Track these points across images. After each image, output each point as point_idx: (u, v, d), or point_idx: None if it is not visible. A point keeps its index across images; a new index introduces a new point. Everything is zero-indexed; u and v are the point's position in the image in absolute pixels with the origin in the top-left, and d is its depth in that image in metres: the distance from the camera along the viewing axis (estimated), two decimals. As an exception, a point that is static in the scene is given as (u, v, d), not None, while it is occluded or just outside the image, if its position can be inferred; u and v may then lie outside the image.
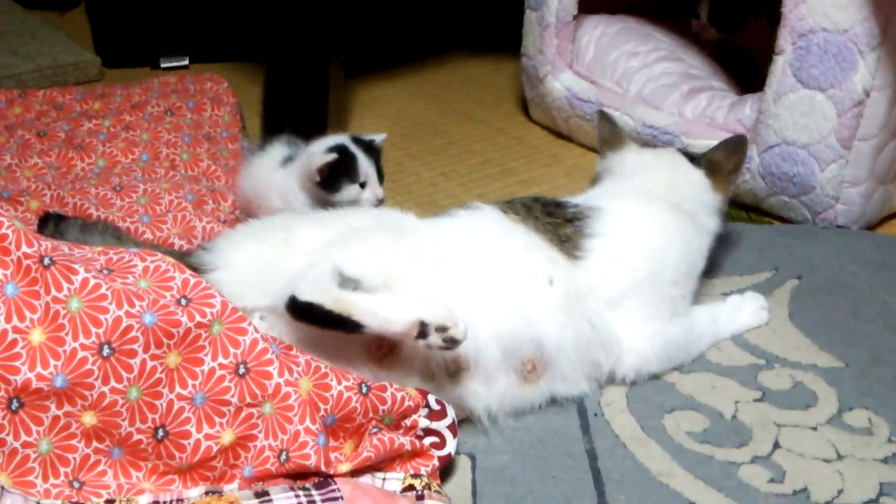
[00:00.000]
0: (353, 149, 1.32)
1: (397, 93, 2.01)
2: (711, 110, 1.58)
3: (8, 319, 0.83)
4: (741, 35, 1.84)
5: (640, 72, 1.71)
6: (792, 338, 1.24)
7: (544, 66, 1.76)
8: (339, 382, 0.94)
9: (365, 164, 1.32)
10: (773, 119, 1.47)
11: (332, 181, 1.30)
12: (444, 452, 0.98)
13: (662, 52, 1.76)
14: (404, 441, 0.95)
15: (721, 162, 1.32)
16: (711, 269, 1.37)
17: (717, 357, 1.20)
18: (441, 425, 0.99)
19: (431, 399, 0.99)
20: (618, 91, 1.70)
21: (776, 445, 1.06)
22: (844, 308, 1.30)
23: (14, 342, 0.83)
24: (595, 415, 1.10)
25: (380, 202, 1.33)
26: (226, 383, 0.91)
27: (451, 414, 0.99)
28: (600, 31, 1.78)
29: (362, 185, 1.31)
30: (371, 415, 0.95)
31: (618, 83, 1.71)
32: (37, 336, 0.84)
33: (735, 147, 1.34)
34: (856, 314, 1.29)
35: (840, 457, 1.04)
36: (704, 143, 1.54)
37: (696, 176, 1.29)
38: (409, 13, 2.34)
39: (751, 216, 1.55)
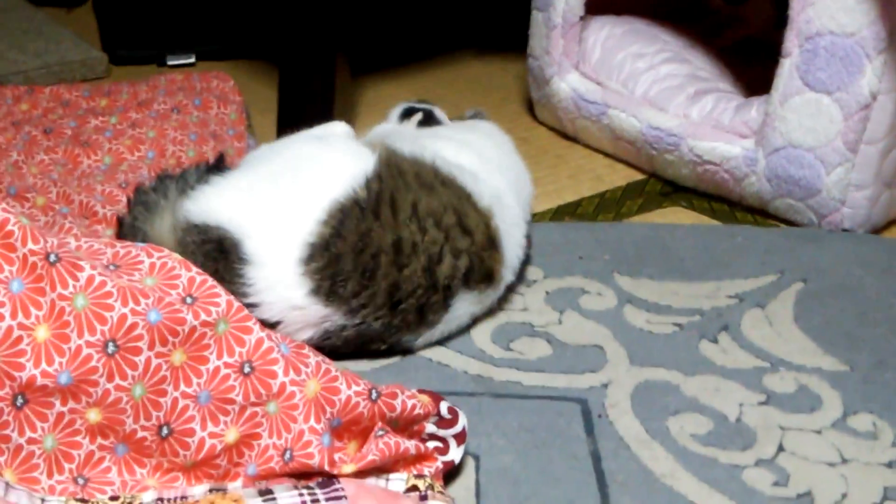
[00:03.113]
0: None
1: (403, 92, 2.00)
2: (717, 112, 1.58)
3: (13, 316, 0.83)
4: (743, 8, 1.87)
5: (646, 73, 1.71)
6: (797, 341, 1.24)
7: (550, 66, 1.76)
8: (349, 387, 0.94)
9: None
10: (780, 122, 1.47)
11: None
12: (448, 458, 0.98)
13: (668, 54, 1.76)
14: (409, 445, 0.95)
15: None
16: (716, 271, 1.37)
17: (722, 359, 1.20)
18: (448, 433, 0.99)
19: (444, 407, 0.99)
20: (624, 92, 1.70)
21: (780, 449, 1.06)
22: (850, 312, 1.30)
23: (19, 339, 0.83)
24: (599, 416, 1.10)
25: None
26: (230, 382, 0.91)
27: (462, 422, 0.99)
28: (606, 32, 1.78)
29: None
30: (378, 419, 0.95)
31: (624, 84, 1.71)
32: (42, 333, 0.84)
33: None
34: (861, 318, 1.29)
35: (844, 461, 1.04)
36: (710, 145, 1.54)
37: None
38: (415, 12, 2.34)
39: (756, 219, 1.55)
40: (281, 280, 1.07)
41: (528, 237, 1.32)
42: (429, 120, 1.46)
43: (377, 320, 1.10)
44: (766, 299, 1.32)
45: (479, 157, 1.28)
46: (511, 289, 1.29)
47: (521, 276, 1.33)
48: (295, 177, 1.14)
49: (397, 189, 1.14)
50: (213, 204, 1.11)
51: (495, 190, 1.23)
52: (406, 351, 1.17)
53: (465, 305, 1.18)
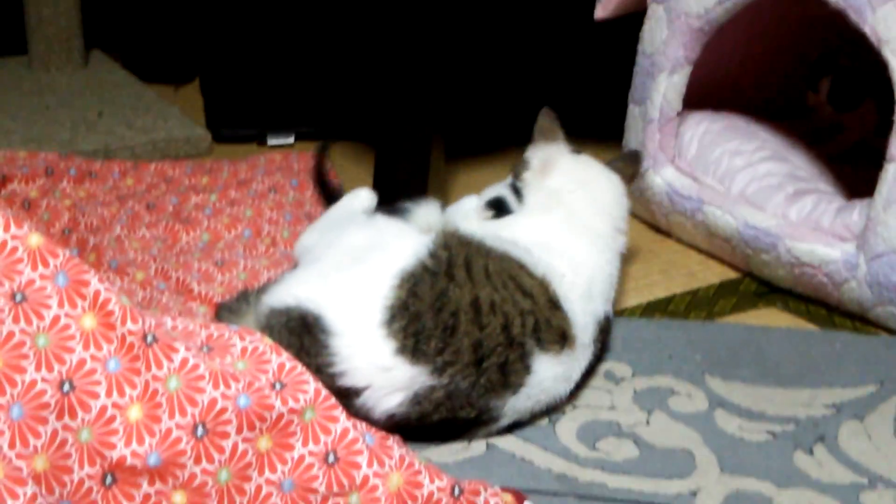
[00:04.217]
0: None
1: (496, 177, 2.00)
2: (817, 214, 1.55)
3: (108, 395, 0.85)
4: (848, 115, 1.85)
5: (744, 171, 1.69)
6: (897, 457, 1.19)
7: (646, 160, 1.75)
8: (432, 481, 0.93)
9: None
10: (882, 227, 1.43)
11: None
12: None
13: (767, 152, 1.74)
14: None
15: (622, 169, 1.49)
16: (812, 378, 1.33)
17: (818, 472, 1.15)
18: (530, 533, 0.97)
19: (527, 506, 0.98)
20: (720, 189, 1.68)
21: (879, 573, 1.01)
22: (954, 429, 1.25)
23: (113, 418, 0.85)
24: (687, 526, 1.06)
25: None
26: (314, 471, 0.91)
27: None
28: (704, 127, 1.77)
29: None
30: (460, 517, 0.94)
31: (720, 181, 1.69)
32: (134, 413, 0.86)
33: (634, 158, 1.57)
34: (967, 436, 1.23)
35: (948, 590, 0.99)
36: (809, 247, 1.51)
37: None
38: (511, 98, 2.36)
39: (856, 325, 1.51)
40: (366, 344, 1.10)
41: (607, 317, 1.33)
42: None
43: (464, 379, 1.11)
44: (864, 411, 1.27)
45: (527, 234, 1.32)
46: (587, 376, 1.28)
47: (609, 374, 1.31)
48: (360, 260, 1.20)
49: (470, 253, 1.20)
50: (289, 290, 1.16)
51: (548, 264, 1.25)
52: (489, 444, 1.16)
53: (545, 368, 1.18)
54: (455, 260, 1.18)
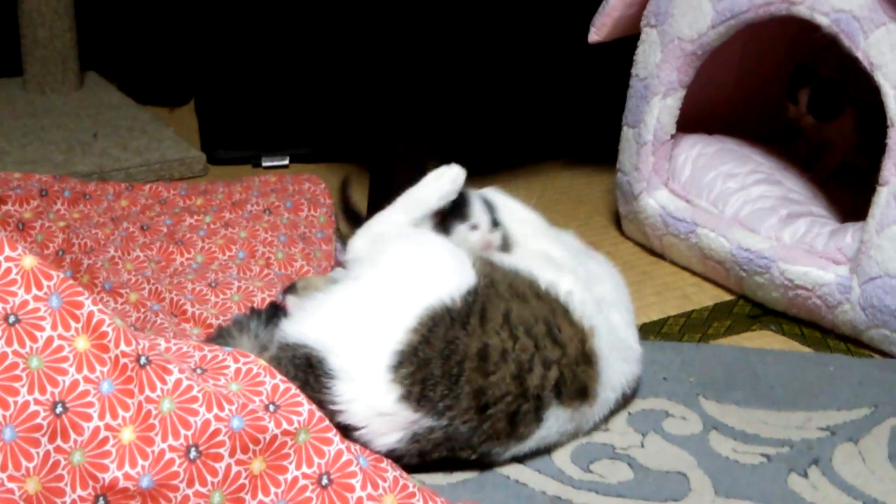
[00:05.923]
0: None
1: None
2: (810, 237, 1.55)
3: (101, 417, 0.85)
4: (829, 131, 1.86)
5: (737, 193, 1.70)
6: (891, 480, 1.19)
7: (639, 182, 1.76)
8: (426, 505, 0.93)
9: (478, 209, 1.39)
10: (876, 250, 1.44)
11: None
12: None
13: (761, 175, 1.75)
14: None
15: None
16: (806, 401, 1.33)
17: (812, 495, 1.15)
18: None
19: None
20: (714, 211, 1.69)
21: None
22: (949, 451, 1.24)
23: (105, 440, 0.84)
24: (681, 549, 1.06)
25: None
26: (308, 493, 0.91)
27: None
28: (698, 150, 1.78)
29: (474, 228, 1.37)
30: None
31: (714, 203, 1.70)
32: (127, 435, 0.85)
33: None
34: (961, 459, 1.23)
35: None
36: (802, 269, 1.51)
37: None
38: (505, 122, 2.37)
39: (849, 348, 1.51)
40: (369, 390, 1.08)
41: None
42: None
43: (464, 423, 1.09)
44: (859, 434, 1.27)
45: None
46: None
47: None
48: (389, 291, 1.16)
49: (489, 299, 1.15)
50: (304, 324, 1.14)
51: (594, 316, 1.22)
52: (484, 466, 1.15)
53: (557, 423, 1.16)
54: (473, 307, 1.14)
